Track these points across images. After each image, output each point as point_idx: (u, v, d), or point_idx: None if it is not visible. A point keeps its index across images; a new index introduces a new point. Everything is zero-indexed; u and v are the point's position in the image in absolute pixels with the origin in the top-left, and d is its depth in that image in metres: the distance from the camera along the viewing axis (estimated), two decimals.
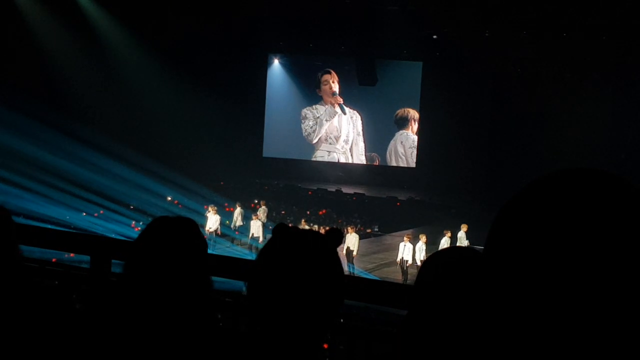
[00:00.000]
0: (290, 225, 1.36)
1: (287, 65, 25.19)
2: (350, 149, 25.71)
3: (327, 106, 25.31)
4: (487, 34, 19.08)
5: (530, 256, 0.64)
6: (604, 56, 18.96)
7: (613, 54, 18.71)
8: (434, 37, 19.96)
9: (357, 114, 25.41)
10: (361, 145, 25.61)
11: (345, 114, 25.30)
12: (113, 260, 3.07)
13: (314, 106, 25.51)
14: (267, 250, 1.28)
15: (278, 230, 1.31)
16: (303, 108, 25.46)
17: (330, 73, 24.98)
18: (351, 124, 25.50)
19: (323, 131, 25.50)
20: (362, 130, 25.48)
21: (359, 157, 25.51)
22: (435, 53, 22.17)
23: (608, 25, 17.02)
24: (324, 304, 1.22)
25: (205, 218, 15.76)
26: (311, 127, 25.66)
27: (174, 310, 1.47)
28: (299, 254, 1.23)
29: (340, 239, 1.33)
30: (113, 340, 1.44)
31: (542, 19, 17.31)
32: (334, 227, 1.44)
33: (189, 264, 1.53)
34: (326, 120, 25.55)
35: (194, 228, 1.61)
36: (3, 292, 1.74)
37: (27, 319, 1.70)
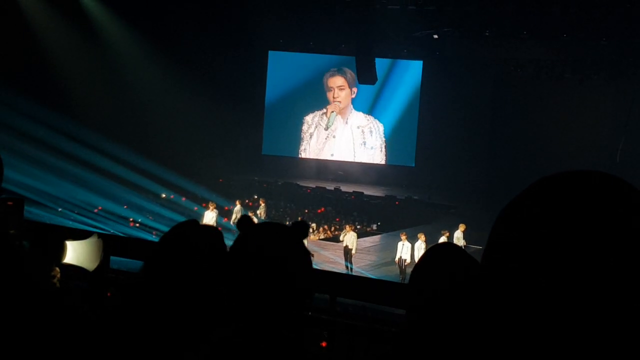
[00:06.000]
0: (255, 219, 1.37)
1: (287, 63, 25.16)
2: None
3: (329, 116, 25.10)
4: (487, 34, 19.07)
5: (532, 262, 0.62)
6: (604, 58, 18.98)
7: (613, 55, 18.73)
8: (435, 36, 19.94)
9: (376, 124, 24.82)
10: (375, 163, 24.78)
11: (327, 128, 24.75)
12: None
13: (318, 114, 25.19)
14: (235, 244, 1.29)
15: (241, 223, 1.32)
16: (302, 105, 25.24)
17: (334, 76, 24.70)
18: (360, 138, 24.98)
19: (313, 150, 25.29)
20: (383, 146, 24.96)
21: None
22: (435, 52, 22.16)
23: (608, 27, 17.02)
24: (290, 294, 1.22)
25: (202, 215, 15.76)
26: (303, 144, 25.50)
27: (185, 315, 1.45)
28: (263, 247, 1.24)
29: (306, 231, 1.34)
30: (118, 338, 1.42)
31: (542, 19, 17.31)
32: (301, 219, 1.46)
33: (213, 273, 1.50)
34: (317, 137, 25.03)
35: (217, 235, 1.58)
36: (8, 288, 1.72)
37: (28, 315, 1.69)
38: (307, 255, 1.29)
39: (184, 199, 18.91)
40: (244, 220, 1.32)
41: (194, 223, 1.58)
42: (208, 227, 1.60)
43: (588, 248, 0.60)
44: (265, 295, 1.19)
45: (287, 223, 1.38)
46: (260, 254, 1.23)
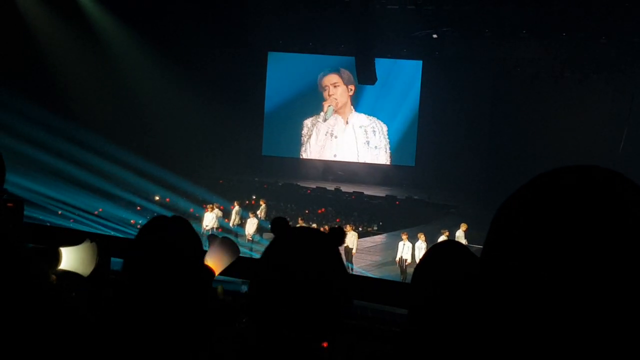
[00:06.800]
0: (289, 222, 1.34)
1: (286, 64, 25.14)
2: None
3: (325, 110, 25.04)
4: (487, 33, 19.08)
5: (531, 259, 0.61)
6: (603, 57, 18.98)
7: (612, 54, 18.73)
8: (434, 36, 19.96)
9: (379, 125, 24.76)
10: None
11: (325, 120, 24.66)
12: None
13: (316, 117, 25.14)
14: (270, 248, 1.27)
15: (276, 226, 1.30)
16: (302, 106, 25.19)
17: (327, 75, 24.73)
18: (363, 139, 24.95)
19: (314, 149, 25.27)
20: (387, 146, 24.83)
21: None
22: (435, 52, 22.17)
23: (608, 26, 17.02)
24: (326, 303, 1.20)
25: (202, 217, 15.75)
26: (303, 147, 25.50)
27: (174, 308, 1.47)
28: (300, 253, 1.22)
29: (342, 238, 1.32)
30: (114, 339, 1.43)
31: (541, 19, 17.31)
32: (337, 226, 1.42)
33: (186, 262, 1.53)
34: (317, 136, 24.97)
35: (188, 226, 1.61)
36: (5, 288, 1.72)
37: (25, 316, 1.68)
38: (342, 263, 1.27)
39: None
40: (279, 223, 1.30)
41: (160, 217, 1.61)
42: (174, 218, 1.62)
43: (588, 244, 0.59)
44: (301, 305, 1.18)
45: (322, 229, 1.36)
46: (297, 264, 1.21)
